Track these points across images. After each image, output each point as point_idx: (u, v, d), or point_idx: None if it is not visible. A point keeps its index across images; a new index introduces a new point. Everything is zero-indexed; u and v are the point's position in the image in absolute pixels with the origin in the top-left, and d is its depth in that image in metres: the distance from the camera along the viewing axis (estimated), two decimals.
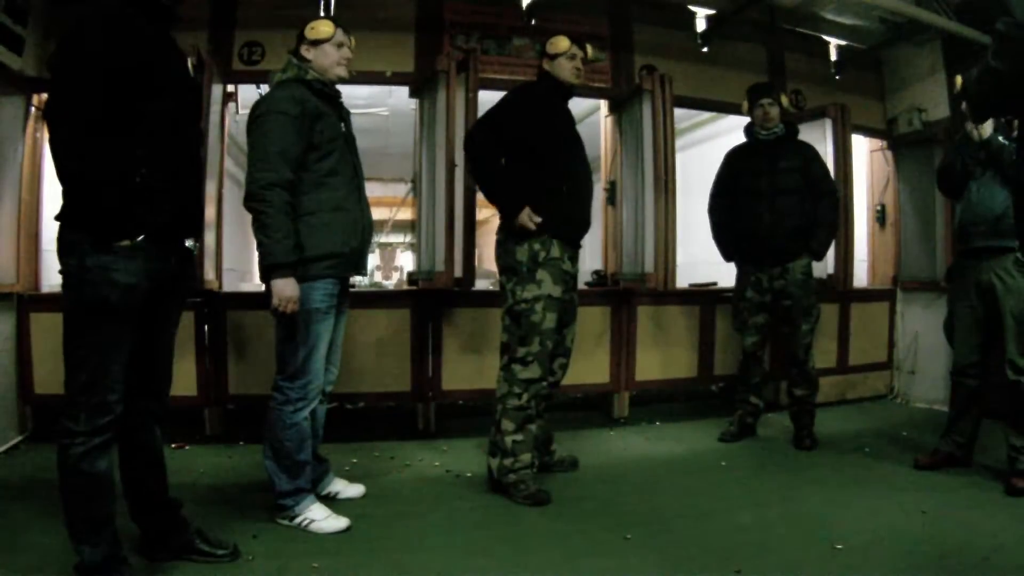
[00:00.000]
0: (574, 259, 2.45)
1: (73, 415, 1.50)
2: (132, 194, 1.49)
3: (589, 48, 2.48)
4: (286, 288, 1.92)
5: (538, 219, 2.27)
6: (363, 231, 2.13)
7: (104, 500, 1.55)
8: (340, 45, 2.09)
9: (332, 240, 2.02)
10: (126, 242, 1.49)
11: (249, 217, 1.97)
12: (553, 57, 2.43)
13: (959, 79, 2.53)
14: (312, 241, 1.98)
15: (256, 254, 2.08)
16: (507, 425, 2.32)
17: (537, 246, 2.31)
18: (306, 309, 1.99)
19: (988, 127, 2.47)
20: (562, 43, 2.41)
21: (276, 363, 2.07)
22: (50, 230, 2.82)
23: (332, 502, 2.18)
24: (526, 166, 2.34)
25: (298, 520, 2.03)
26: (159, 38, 1.60)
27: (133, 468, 1.71)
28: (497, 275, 2.52)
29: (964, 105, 2.34)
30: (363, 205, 2.15)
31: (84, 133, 1.43)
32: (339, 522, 2.04)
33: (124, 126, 1.48)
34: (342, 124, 2.12)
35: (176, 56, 1.69)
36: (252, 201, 1.94)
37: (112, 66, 1.44)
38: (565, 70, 2.42)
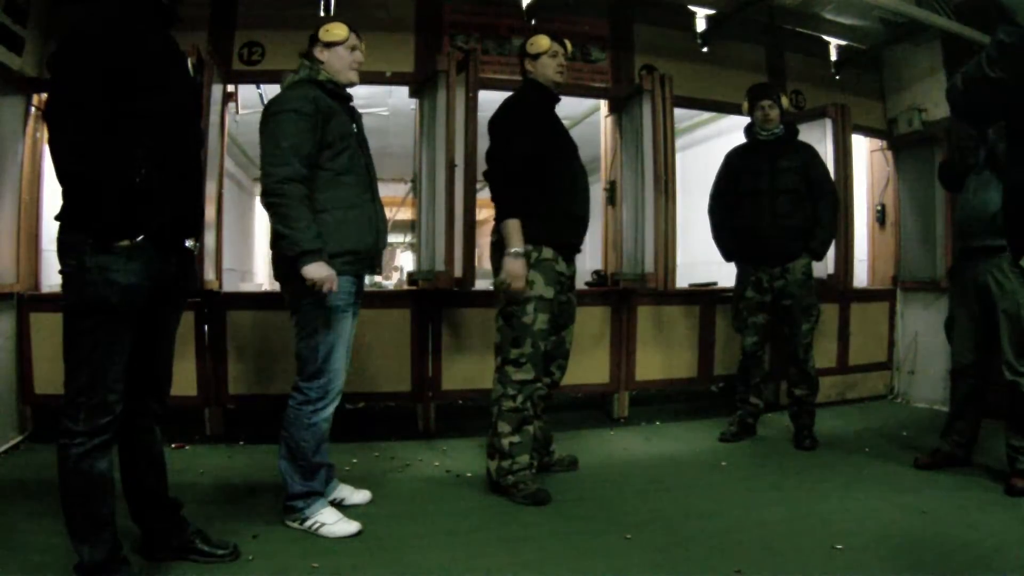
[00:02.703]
0: (569, 260, 2.45)
1: (73, 415, 1.50)
2: (132, 194, 1.49)
3: (568, 44, 2.47)
4: (320, 269, 1.89)
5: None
6: (377, 229, 2.12)
7: (104, 500, 1.55)
8: (353, 49, 2.10)
9: (348, 237, 2.02)
10: (126, 242, 1.49)
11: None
12: (535, 57, 2.42)
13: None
14: (327, 239, 1.97)
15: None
16: (503, 427, 2.32)
17: (529, 247, 2.31)
18: (324, 307, 1.98)
19: None
20: (543, 42, 2.40)
21: (296, 364, 2.07)
22: (50, 230, 2.82)
23: (337, 508, 2.16)
24: (529, 180, 2.32)
25: (308, 523, 2.01)
26: (159, 38, 1.60)
27: (133, 468, 1.71)
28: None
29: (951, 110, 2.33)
30: (377, 204, 2.14)
31: (84, 133, 1.42)
32: (350, 526, 2.02)
33: (124, 126, 1.48)
34: (353, 125, 2.13)
35: (176, 56, 1.69)
36: (270, 196, 1.92)
37: (112, 66, 1.44)
38: (549, 69, 2.41)
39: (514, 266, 2.26)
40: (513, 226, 2.27)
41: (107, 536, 1.55)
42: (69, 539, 1.54)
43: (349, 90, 2.16)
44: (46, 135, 3.07)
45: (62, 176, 1.47)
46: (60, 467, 1.51)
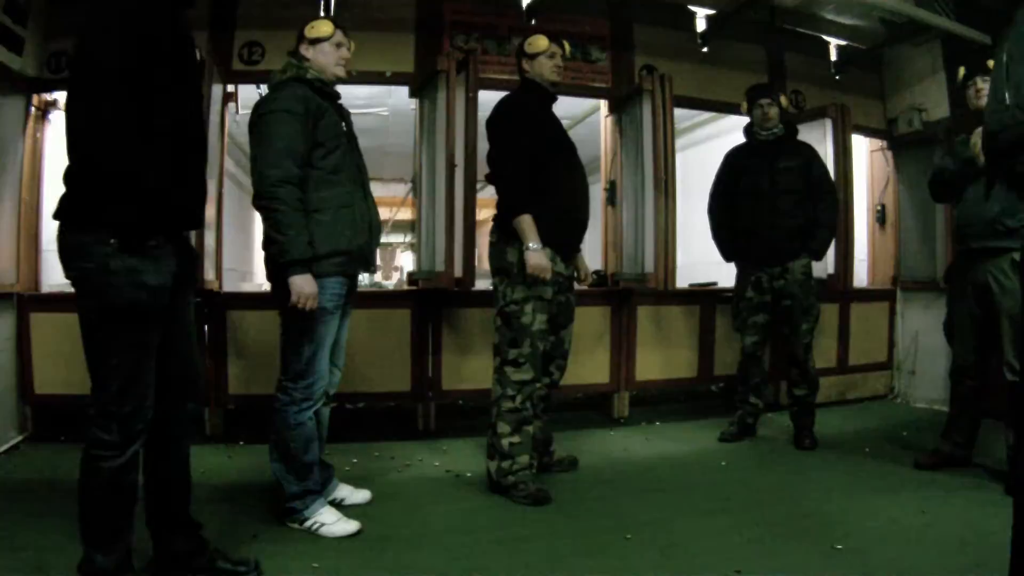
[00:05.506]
0: (568, 260, 2.45)
1: (105, 425, 1.43)
2: (158, 191, 1.44)
3: (567, 45, 2.48)
4: (306, 285, 1.90)
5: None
6: (370, 228, 2.12)
7: (127, 510, 1.50)
8: (339, 45, 2.09)
9: (339, 237, 2.01)
10: (154, 241, 1.44)
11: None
12: (533, 57, 2.42)
13: (962, 69, 2.52)
14: (319, 239, 1.97)
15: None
16: (503, 428, 2.32)
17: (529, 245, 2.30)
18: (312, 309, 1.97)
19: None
20: (541, 42, 2.41)
21: (280, 363, 2.06)
22: (50, 230, 2.81)
23: (337, 508, 2.16)
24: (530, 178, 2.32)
25: (308, 524, 2.01)
26: (175, 32, 1.54)
27: (158, 476, 1.64)
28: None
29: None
30: (369, 202, 2.14)
31: (107, 130, 1.36)
32: (349, 526, 2.02)
33: (146, 122, 1.41)
34: (343, 123, 2.12)
35: (191, 49, 1.64)
36: (263, 200, 1.91)
37: (130, 62, 1.38)
38: (545, 68, 2.42)
39: (537, 258, 2.26)
40: (526, 221, 2.27)
41: (123, 545, 1.50)
42: (81, 542, 1.49)
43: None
44: (47, 134, 3.09)
45: (85, 173, 1.40)
46: (85, 476, 1.45)
